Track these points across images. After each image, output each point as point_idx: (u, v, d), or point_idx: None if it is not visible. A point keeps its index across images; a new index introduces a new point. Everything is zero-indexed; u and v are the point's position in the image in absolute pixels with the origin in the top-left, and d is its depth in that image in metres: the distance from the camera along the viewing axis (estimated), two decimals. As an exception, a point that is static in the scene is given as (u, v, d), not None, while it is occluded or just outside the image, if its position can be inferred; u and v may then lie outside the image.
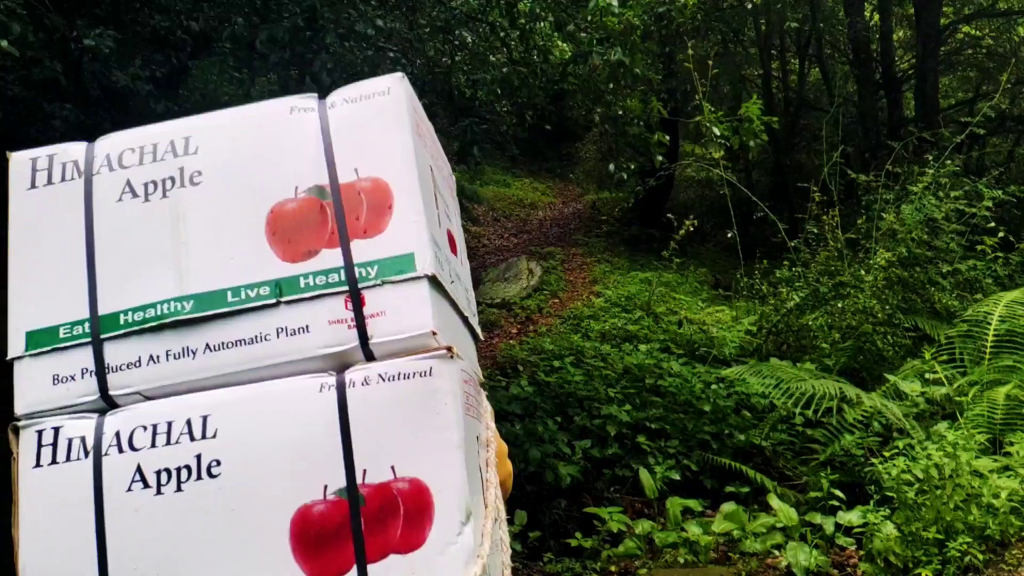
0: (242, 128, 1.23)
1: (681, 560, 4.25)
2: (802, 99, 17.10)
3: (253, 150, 1.20)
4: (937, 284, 7.13)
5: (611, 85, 6.72)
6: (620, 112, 6.85)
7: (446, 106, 7.35)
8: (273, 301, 1.11)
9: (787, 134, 15.96)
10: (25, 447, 1.12)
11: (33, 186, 1.23)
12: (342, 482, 1.04)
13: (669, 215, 10.19)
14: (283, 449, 1.06)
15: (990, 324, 5.72)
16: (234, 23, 5.30)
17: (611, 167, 6.86)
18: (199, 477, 1.06)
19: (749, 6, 11.02)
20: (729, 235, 9.16)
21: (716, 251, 14.89)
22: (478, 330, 1.47)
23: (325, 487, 1.04)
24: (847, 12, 14.95)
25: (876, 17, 15.46)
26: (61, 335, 1.15)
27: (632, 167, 7.21)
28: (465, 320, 1.35)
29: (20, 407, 1.15)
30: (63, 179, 1.22)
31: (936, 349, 5.79)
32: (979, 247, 7.40)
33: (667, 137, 6.76)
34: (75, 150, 1.25)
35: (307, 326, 1.11)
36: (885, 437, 5.16)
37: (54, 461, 1.10)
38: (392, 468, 1.05)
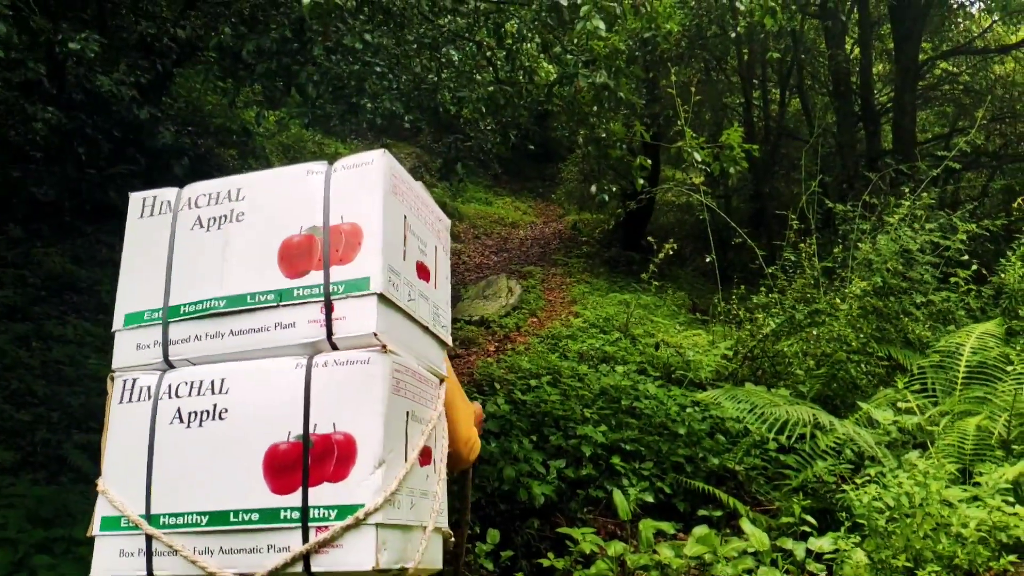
0: (274, 183, 1.76)
1: (652, 583, 4.24)
2: (782, 128, 17.33)
3: (278, 199, 1.72)
4: (911, 314, 7.20)
5: (595, 108, 6.76)
6: (603, 135, 6.90)
7: (431, 122, 7.37)
8: (275, 304, 1.63)
9: (767, 162, 16.14)
10: (115, 390, 1.71)
11: (141, 216, 1.82)
12: (300, 431, 1.53)
13: (649, 238, 10.25)
14: (267, 405, 1.57)
15: (962, 355, 5.79)
16: (221, 32, 5.29)
17: (593, 188, 6.89)
18: (214, 419, 1.60)
19: (732, 35, 11.14)
20: (708, 260, 9.22)
21: (694, 275, 14.98)
22: (446, 339, 1.95)
23: (289, 432, 1.54)
24: (828, 45, 15.19)
25: (856, 50, 15.72)
26: (145, 317, 1.73)
27: (614, 189, 7.25)
28: (426, 329, 1.82)
29: (115, 363, 1.74)
30: (160, 213, 1.80)
31: (909, 379, 5.85)
32: (952, 279, 7.50)
33: (649, 161, 6.80)
34: (170, 193, 1.82)
35: (294, 323, 1.61)
36: (857, 464, 5.19)
37: (130, 400, 1.68)
38: (334, 424, 1.53)
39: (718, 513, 5.08)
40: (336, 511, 1.50)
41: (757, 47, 15.52)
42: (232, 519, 1.54)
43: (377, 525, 1.50)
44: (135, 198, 1.85)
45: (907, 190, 8.22)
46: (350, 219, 1.65)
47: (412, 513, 1.64)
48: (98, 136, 7.99)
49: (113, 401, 1.70)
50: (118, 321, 1.77)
